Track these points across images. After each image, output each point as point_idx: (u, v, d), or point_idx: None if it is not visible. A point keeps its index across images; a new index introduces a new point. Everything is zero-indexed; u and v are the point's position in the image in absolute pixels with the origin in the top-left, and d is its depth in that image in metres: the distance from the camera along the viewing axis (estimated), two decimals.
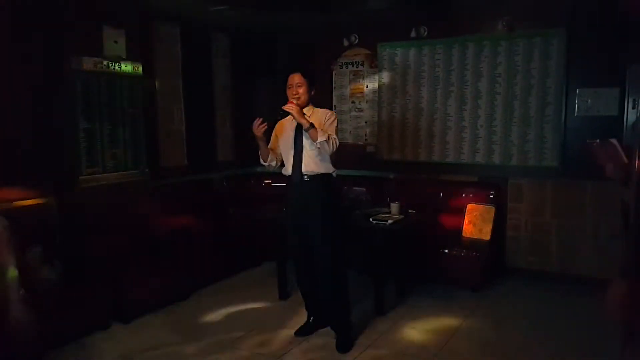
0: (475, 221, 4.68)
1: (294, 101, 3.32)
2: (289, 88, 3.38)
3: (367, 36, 5.36)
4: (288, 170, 3.47)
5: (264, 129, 3.34)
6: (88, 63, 3.84)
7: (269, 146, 3.53)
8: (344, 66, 5.55)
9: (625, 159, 3.30)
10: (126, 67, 4.13)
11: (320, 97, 5.53)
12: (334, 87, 5.61)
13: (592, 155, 3.71)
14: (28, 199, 3.68)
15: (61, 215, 3.87)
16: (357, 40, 5.44)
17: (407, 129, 5.24)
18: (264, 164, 3.57)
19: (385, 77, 5.30)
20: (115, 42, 4.06)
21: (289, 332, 3.63)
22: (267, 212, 4.69)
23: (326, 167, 3.39)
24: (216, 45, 5.51)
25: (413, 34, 5.10)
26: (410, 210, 4.23)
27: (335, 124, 3.39)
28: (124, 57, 4.13)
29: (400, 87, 5.23)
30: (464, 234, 4.68)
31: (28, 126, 3.71)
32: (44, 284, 3.44)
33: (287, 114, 3.30)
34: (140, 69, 4.28)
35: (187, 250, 4.42)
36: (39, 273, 3.45)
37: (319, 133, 3.21)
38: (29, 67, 3.71)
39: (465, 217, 4.72)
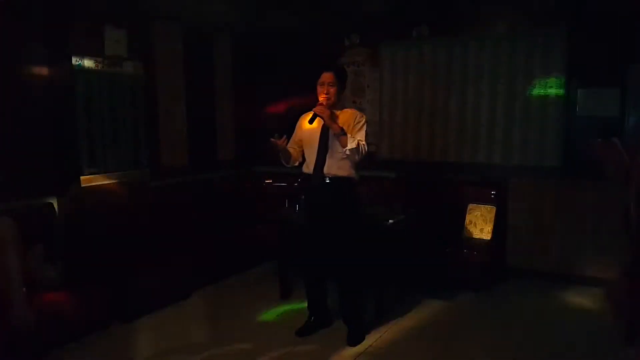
0: (476, 221, 4.68)
1: (324, 101, 3.27)
2: (320, 86, 3.34)
3: (369, 36, 5.35)
4: (309, 168, 3.44)
5: (284, 142, 3.33)
6: (89, 62, 3.85)
7: (288, 144, 3.48)
8: (346, 66, 5.52)
9: (626, 159, 3.29)
10: (127, 66, 4.13)
11: None
12: None
13: (593, 155, 3.71)
14: (29, 199, 3.69)
15: (62, 215, 3.88)
16: (358, 39, 5.43)
17: (408, 128, 5.23)
18: (286, 165, 3.54)
19: (387, 76, 5.29)
20: (117, 41, 4.06)
21: (289, 331, 3.63)
22: (268, 212, 4.69)
23: (348, 171, 3.36)
24: (217, 45, 5.51)
25: (414, 34, 5.09)
26: (410, 210, 4.22)
27: (365, 128, 3.35)
28: (125, 56, 4.14)
29: (401, 87, 5.22)
30: (464, 234, 4.68)
31: (29, 126, 3.72)
32: (45, 283, 3.45)
33: (316, 117, 3.23)
34: (142, 68, 4.28)
35: (188, 250, 4.42)
36: (39, 272, 3.46)
37: (349, 139, 3.17)
38: (30, 66, 3.72)
39: (466, 216, 4.72)
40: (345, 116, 3.36)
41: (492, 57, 4.76)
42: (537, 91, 4.61)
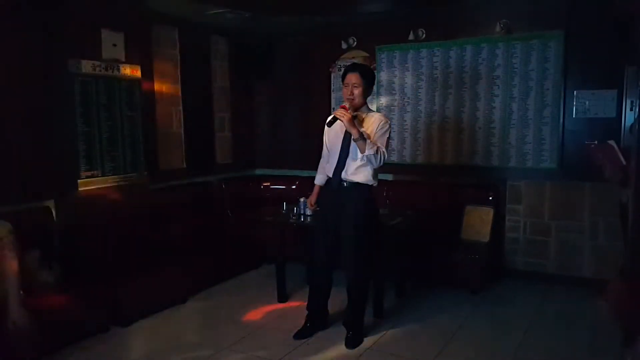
0: (474, 223, 4.68)
1: (347, 103, 3.24)
2: (345, 87, 3.31)
3: (366, 39, 5.36)
4: (330, 171, 3.44)
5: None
6: (86, 66, 3.84)
7: (323, 154, 3.61)
8: (343, 68, 5.53)
9: (623, 161, 3.30)
10: (125, 70, 4.13)
11: (319, 99, 5.59)
12: (333, 90, 5.60)
13: (590, 157, 3.72)
14: (26, 203, 3.68)
15: (59, 219, 3.87)
16: (355, 42, 5.44)
17: (405, 131, 5.24)
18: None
19: (384, 79, 5.31)
20: (114, 45, 4.05)
21: (288, 335, 3.62)
22: (265, 215, 4.68)
23: (366, 178, 3.34)
24: (215, 48, 5.52)
25: (411, 37, 5.11)
26: (408, 212, 4.23)
27: (387, 135, 3.32)
28: (123, 60, 4.13)
29: (398, 90, 5.24)
30: (462, 236, 4.69)
31: (26, 129, 3.71)
32: (43, 287, 3.43)
33: (336, 120, 3.20)
34: (139, 72, 4.28)
35: (185, 253, 4.41)
36: (37, 276, 3.45)
37: (368, 145, 3.13)
38: (28, 69, 3.71)
39: (464, 219, 4.72)
40: (370, 121, 3.32)
41: (488, 60, 4.78)
42: (533, 93, 4.62)
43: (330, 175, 3.43)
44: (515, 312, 4.08)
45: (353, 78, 3.28)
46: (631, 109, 4.23)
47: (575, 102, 4.49)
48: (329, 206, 3.47)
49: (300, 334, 3.61)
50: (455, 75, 4.94)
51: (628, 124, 4.20)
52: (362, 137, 3.14)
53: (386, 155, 3.23)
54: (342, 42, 5.48)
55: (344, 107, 3.19)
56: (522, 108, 4.68)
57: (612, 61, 4.27)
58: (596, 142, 4.02)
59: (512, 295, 4.45)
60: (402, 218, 4.07)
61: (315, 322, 3.67)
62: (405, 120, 5.23)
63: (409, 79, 5.17)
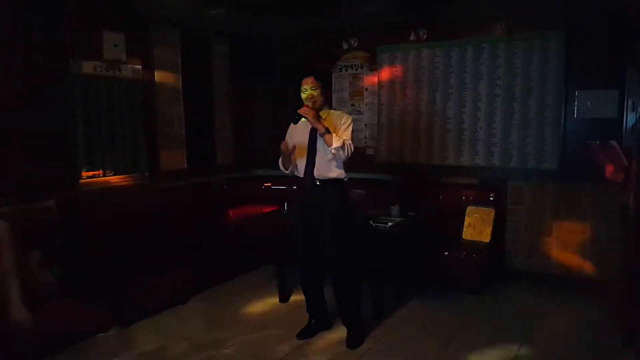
0: (475, 223, 4.67)
1: (310, 104, 3.31)
2: (304, 92, 3.38)
3: (367, 39, 5.37)
4: (300, 173, 3.49)
5: (293, 149, 3.41)
6: (88, 66, 3.85)
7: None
8: (344, 69, 5.55)
9: (625, 161, 3.30)
10: (126, 70, 4.14)
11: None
12: (334, 90, 5.60)
13: (592, 157, 3.72)
14: (27, 203, 3.68)
15: (60, 219, 3.87)
16: (356, 43, 5.45)
17: (407, 131, 5.24)
18: (284, 171, 3.60)
19: (385, 79, 5.31)
20: (115, 45, 4.07)
21: (290, 335, 3.62)
22: (266, 215, 4.69)
23: (338, 173, 3.39)
24: (215, 49, 5.52)
25: (412, 37, 5.11)
26: (409, 213, 4.23)
27: (351, 129, 3.38)
28: (124, 60, 4.14)
29: (399, 90, 5.24)
30: (463, 237, 4.68)
31: (27, 129, 3.71)
32: (44, 287, 3.44)
33: (301, 117, 3.28)
34: (140, 72, 4.29)
35: (186, 254, 4.41)
36: (38, 276, 3.45)
37: (334, 138, 3.22)
38: (29, 70, 3.72)
39: (465, 219, 4.72)
40: (332, 118, 3.40)
41: (489, 60, 4.77)
42: (535, 94, 4.62)
43: (302, 177, 3.47)
44: (515, 313, 4.07)
45: (309, 81, 3.38)
46: (633, 109, 4.23)
47: (577, 102, 4.48)
48: (306, 207, 3.50)
49: (303, 334, 3.62)
50: (456, 75, 4.93)
51: (629, 124, 4.20)
52: (328, 131, 3.24)
53: (352, 147, 3.30)
54: (344, 42, 5.49)
55: (307, 106, 3.29)
56: (524, 108, 4.68)
57: (614, 61, 4.26)
58: (598, 142, 4.02)
59: (512, 296, 4.44)
60: (403, 218, 4.07)
61: (317, 323, 3.68)
62: (406, 121, 5.23)
63: (410, 79, 5.17)
